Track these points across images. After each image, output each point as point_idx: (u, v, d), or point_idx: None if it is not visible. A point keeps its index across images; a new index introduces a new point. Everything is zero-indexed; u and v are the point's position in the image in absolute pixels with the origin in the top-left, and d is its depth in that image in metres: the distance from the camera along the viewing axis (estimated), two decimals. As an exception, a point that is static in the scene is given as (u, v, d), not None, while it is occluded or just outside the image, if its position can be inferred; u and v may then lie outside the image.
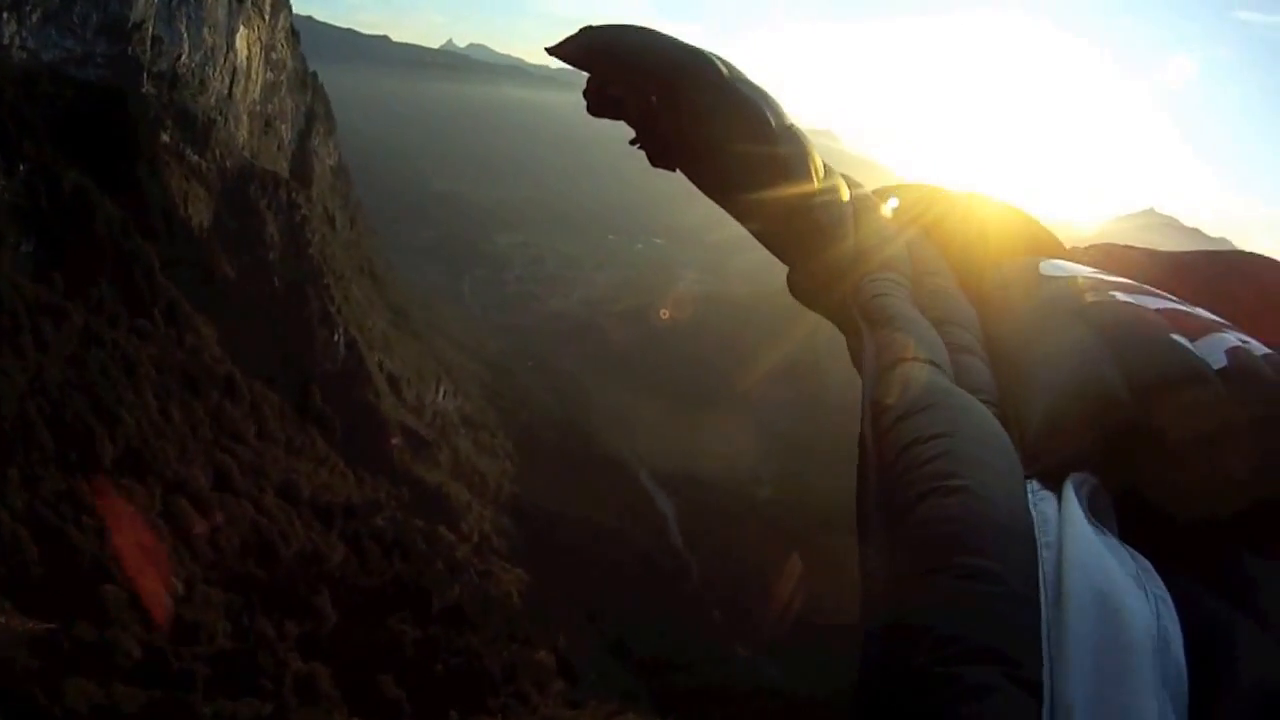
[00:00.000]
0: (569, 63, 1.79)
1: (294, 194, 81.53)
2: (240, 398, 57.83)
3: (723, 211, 1.87)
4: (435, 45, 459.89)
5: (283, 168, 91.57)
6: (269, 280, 75.61)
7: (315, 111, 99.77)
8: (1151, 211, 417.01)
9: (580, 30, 1.81)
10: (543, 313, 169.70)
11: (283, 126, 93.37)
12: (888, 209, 2.05)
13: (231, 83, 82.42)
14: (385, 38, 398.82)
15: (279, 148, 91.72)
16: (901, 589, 0.95)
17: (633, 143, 1.84)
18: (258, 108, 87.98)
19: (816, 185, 1.80)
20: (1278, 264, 1.72)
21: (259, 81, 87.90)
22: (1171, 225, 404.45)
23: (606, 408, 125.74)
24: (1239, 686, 0.88)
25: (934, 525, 0.99)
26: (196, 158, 75.64)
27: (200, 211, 72.62)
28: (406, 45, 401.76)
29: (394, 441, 74.59)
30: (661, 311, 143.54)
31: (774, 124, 1.74)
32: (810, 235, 1.82)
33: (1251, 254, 1.78)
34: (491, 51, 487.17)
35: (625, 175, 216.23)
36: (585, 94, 1.81)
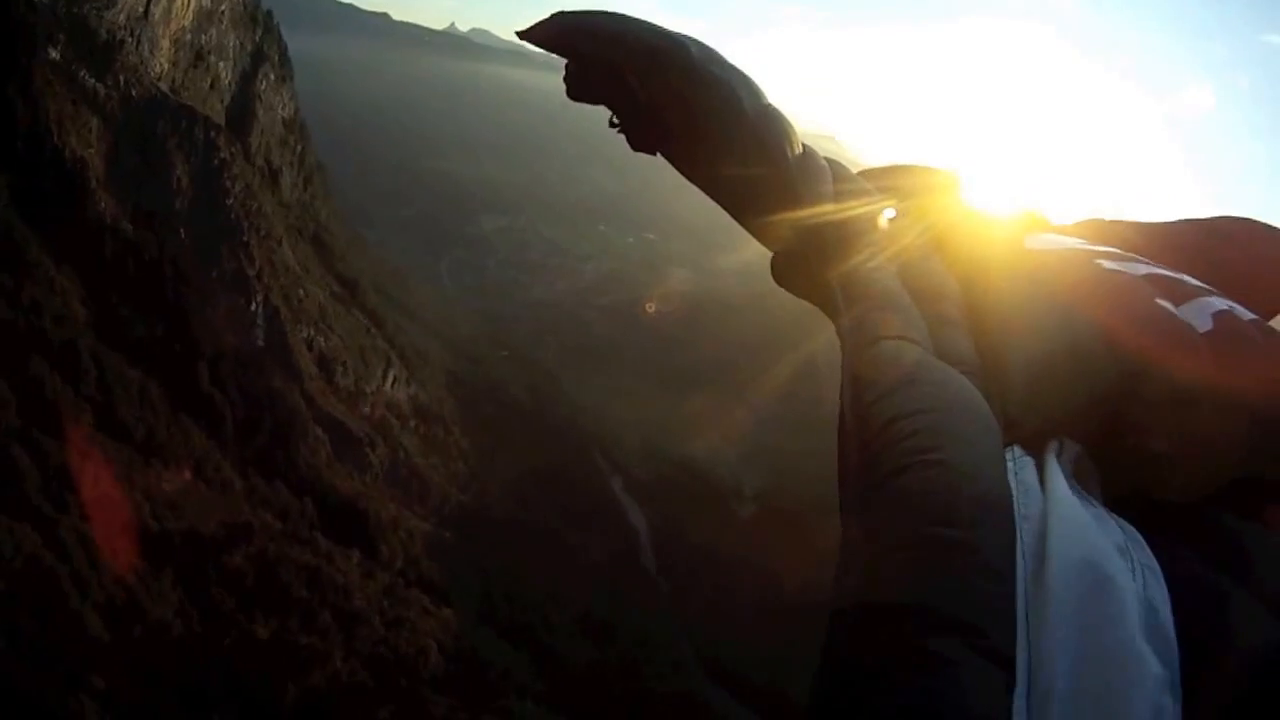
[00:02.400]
0: (541, 46, 1.61)
1: (213, 134, 64.93)
2: (82, 375, 41.89)
3: (717, 208, 1.70)
4: (438, 28, 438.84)
5: (216, 109, 75.33)
6: (173, 232, 59.40)
7: (265, 53, 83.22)
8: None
9: (551, 15, 1.62)
10: (524, 300, 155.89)
11: (220, 64, 76.84)
12: (883, 219, 1.72)
13: (149, 0, 66.03)
14: (385, 15, 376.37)
15: (212, 86, 75.15)
16: (872, 564, 0.91)
17: (612, 125, 1.68)
18: (187, 36, 71.45)
19: (791, 158, 1.61)
20: (1268, 230, 1.59)
21: (190, 6, 71.47)
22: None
23: (583, 405, 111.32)
24: (1231, 654, 0.85)
25: (908, 499, 0.94)
26: (93, 81, 59.32)
27: (86, 142, 56.38)
28: (407, 24, 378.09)
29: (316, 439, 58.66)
30: (647, 305, 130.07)
31: (748, 104, 1.58)
32: (786, 201, 1.62)
33: (1242, 219, 1.63)
34: (494, 36, 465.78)
35: (622, 165, 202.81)
36: (564, 79, 1.64)
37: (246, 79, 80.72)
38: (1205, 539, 1.01)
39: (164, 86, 66.72)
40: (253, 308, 60.73)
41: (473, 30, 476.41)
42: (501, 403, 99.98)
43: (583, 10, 1.62)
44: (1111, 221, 1.67)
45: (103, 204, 52.93)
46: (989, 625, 0.81)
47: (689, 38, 1.56)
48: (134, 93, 61.63)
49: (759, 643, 69.66)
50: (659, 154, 1.69)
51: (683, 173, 1.67)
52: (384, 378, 78.71)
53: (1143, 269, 1.34)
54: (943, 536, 0.88)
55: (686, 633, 73.39)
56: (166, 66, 68.31)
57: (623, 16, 1.60)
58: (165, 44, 67.62)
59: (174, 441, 45.72)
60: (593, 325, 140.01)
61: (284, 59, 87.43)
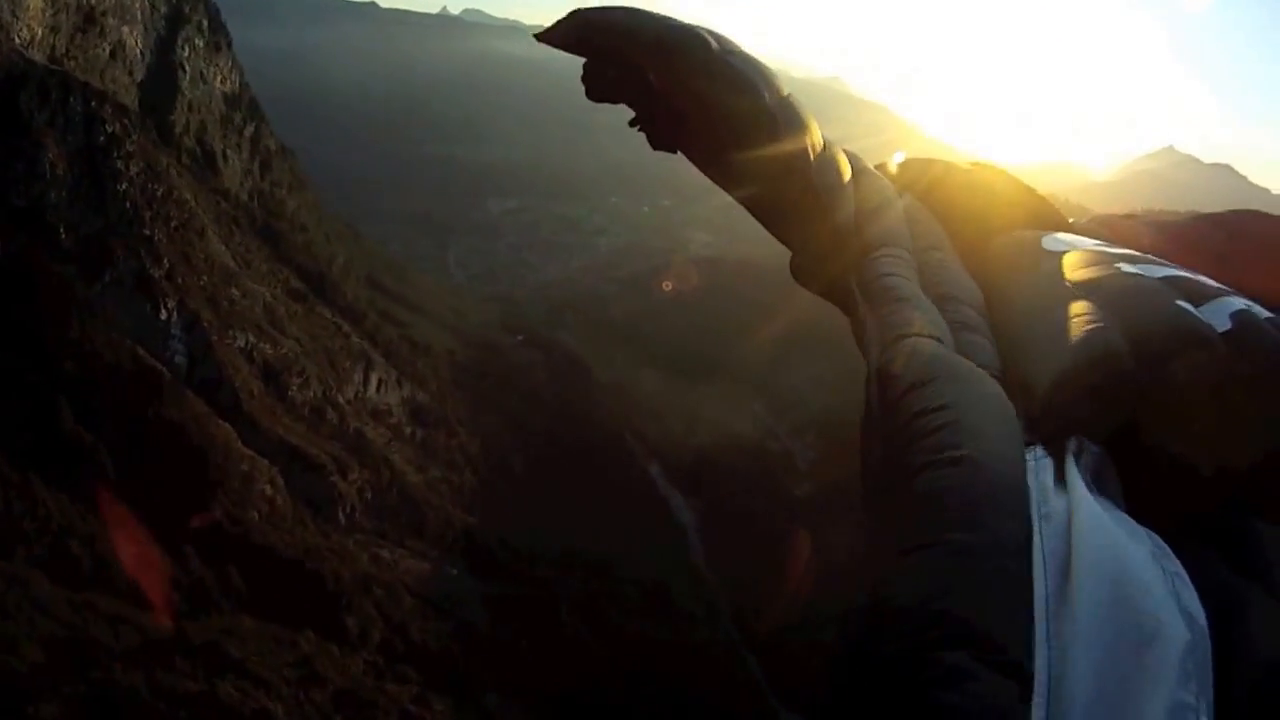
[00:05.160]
0: (561, 48, 1.71)
1: (94, 103, 49.65)
2: None
3: None
4: (431, 11, 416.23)
5: (124, 83, 60.09)
6: (50, 232, 44.54)
7: (184, 15, 67.51)
8: (1171, 149, 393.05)
9: (569, 14, 1.70)
10: (537, 282, 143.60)
11: (124, 28, 61.10)
12: (894, 161, 2.01)
13: (2, -49, 50.40)
14: (373, 3, 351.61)
15: (113, 55, 59.88)
16: (889, 565, 0.88)
17: (632, 124, 1.79)
18: (70, -3, 56.20)
19: (813, 156, 1.70)
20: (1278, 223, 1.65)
21: (70, -40, 55.97)
22: (1193, 162, 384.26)
23: (609, 384, 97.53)
24: (1255, 659, 0.83)
25: (928, 498, 0.93)
26: (-74, 53, 44.22)
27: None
28: (397, 10, 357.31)
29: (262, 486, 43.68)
30: (664, 283, 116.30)
31: (768, 97, 1.64)
32: (810, 203, 1.74)
33: (1253, 212, 1.68)
34: (487, 16, 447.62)
35: (629, 134, 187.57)
36: (583, 79, 1.73)
37: (165, 47, 65.36)
38: (1223, 541, 0.98)
39: (38, 55, 51.47)
40: (163, 316, 45.63)
41: (465, 11, 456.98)
42: (520, 391, 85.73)
43: (600, 6, 1.65)
44: (1126, 219, 1.71)
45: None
46: (1005, 636, 0.77)
47: (707, 30, 1.60)
48: (-14, 63, 46.61)
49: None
50: (679, 152, 1.74)
51: (703, 170, 1.74)
52: (364, 382, 63.78)
53: (1161, 271, 1.34)
54: (958, 540, 0.85)
55: (753, 649, 59.36)
56: (40, 31, 52.81)
57: (640, 11, 1.63)
58: (34, 3, 52.26)
59: (13, 514, 31.06)
60: (612, 300, 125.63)
61: (215, 24, 71.61)
